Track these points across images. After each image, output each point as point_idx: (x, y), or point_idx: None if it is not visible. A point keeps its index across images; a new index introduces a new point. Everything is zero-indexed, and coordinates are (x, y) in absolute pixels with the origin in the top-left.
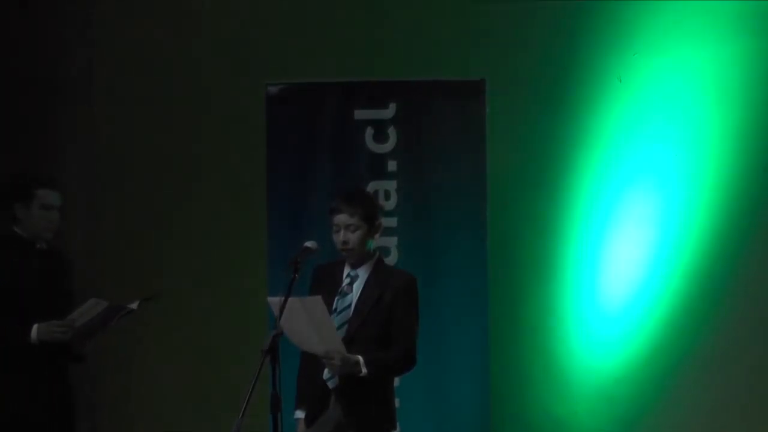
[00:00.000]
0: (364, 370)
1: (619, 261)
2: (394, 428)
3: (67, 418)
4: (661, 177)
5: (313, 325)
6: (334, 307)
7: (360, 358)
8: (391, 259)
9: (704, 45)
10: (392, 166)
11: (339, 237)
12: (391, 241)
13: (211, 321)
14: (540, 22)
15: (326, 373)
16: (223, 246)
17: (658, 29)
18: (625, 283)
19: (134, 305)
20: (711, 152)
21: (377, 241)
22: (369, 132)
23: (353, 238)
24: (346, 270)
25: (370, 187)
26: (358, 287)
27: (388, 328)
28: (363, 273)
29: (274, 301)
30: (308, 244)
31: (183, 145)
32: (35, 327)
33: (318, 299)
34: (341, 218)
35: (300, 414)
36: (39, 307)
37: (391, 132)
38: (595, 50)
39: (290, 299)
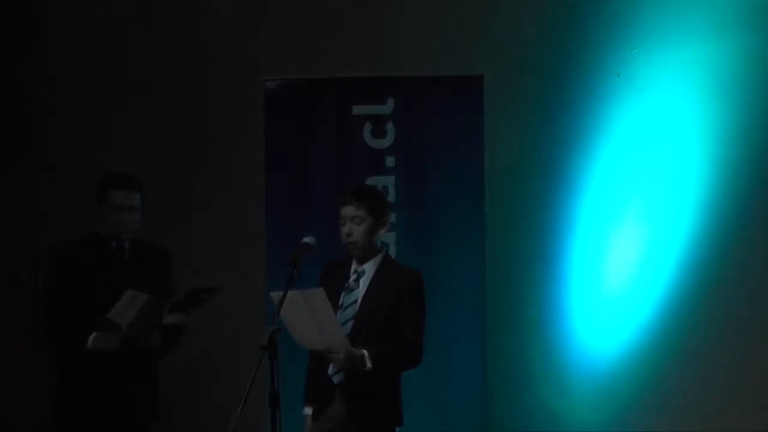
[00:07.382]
0: (368, 365)
1: (619, 258)
2: (400, 425)
3: (144, 417)
4: (661, 173)
5: (315, 318)
6: (340, 302)
7: (365, 352)
8: None
9: (703, 40)
10: (390, 161)
11: (344, 229)
12: (390, 237)
13: (210, 319)
14: (538, 18)
15: (331, 369)
16: (222, 242)
17: (657, 25)
18: (624, 279)
19: (181, 297)
20: (709, 148)
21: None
22: (367, 127)
23: (357, 230)
24: (354, 266)
25: (369, 182)
26: (364, 283)
27: (395, 324)
28: (370, 269)
29: (276, 295)
30: (306, 240)
31: (182, 142)
32: (93, 335)
33: (320, 291)
34: (348, 210)
35: (308, 410)
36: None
37: (390, 127)
38: (593, 46)
39: (291, 292)
